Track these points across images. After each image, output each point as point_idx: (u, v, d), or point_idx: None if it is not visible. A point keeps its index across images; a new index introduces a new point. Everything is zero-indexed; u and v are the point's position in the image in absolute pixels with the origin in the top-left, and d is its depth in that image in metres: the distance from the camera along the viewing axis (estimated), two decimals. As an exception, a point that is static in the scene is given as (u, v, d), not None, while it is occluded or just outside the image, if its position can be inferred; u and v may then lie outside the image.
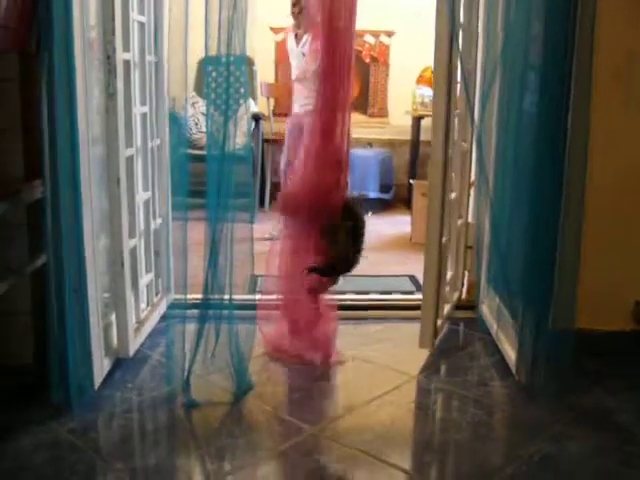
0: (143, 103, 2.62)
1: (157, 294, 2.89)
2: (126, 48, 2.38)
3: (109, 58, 2.25)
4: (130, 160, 2.45)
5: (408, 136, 5.87)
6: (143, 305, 2.73)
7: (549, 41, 2.23)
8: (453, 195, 2.80)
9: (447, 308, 2.83)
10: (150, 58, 2.68)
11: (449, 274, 2.87)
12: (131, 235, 2.50)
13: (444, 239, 2.57)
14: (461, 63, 2.53)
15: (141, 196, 2.63)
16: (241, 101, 2.33)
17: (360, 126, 5.66)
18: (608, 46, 2.42)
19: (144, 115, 2.63)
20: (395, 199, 5.68)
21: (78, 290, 2.11)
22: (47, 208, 2.04)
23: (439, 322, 2.66)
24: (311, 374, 2.49)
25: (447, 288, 2.84)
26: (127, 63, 2.40)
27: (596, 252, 2.50)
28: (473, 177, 2.97)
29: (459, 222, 2.97)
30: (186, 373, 2.25)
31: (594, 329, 2.57)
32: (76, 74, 2.02)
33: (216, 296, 2.28)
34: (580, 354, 2.38)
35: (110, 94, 2.27)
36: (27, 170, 2.16)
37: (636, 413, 2.22)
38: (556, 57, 2.20)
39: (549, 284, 2.30)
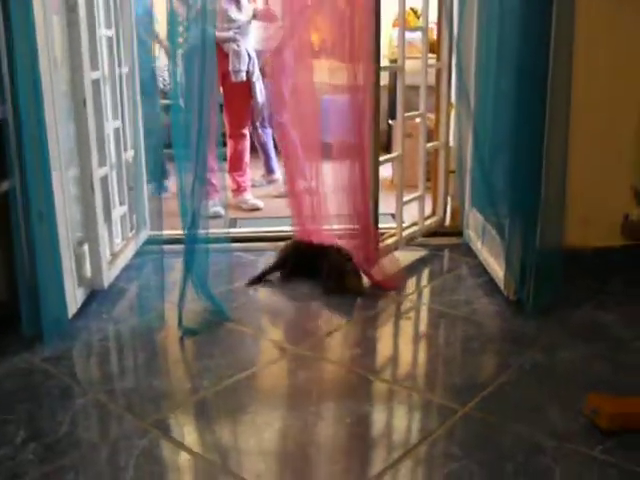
0: (108, 27, 2.50)
1: (132, 229, 2.79)
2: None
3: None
4: (96, 83, 2.34)
5: (386, 81, 5.75)
6: (118, 240, 2.64)
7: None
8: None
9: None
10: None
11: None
12: (101, 163, 2.40)
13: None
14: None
15: (111, 124, 2.52)
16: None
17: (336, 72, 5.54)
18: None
19: (110, 39, 2.51)
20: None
21: (45, 214, 2.01)
22: (8, 130, 1.94)
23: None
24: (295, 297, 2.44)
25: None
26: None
27: (583, 168, 2.43)
28: (453, 98, 2.88)
29: (430, 145, 2.92)
30: (178, 304, 2.17)
31: (584, 246, 2.51)
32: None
33: (196, 230, 2.20)
34: (570, 271, 2.32)
35: (70, 7, 2.15)
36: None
37: (626, 325, 2.16)
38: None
39: (536, 200, 2.22)
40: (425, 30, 2.80)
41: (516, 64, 2.20)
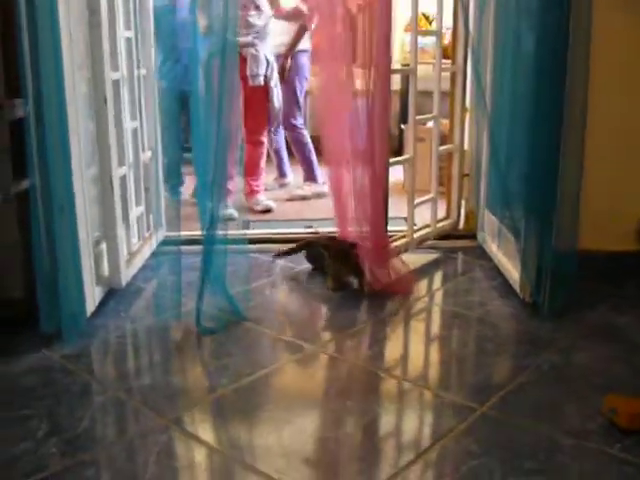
0: (127, 28, 2.52)
1: (148, 229, 2.81)
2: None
3: (90, -29, 2.15)
4: (116, 84, 2.37)
5: (398, 86, 5.77)
6: (135, 240, 2.65)
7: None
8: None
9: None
10: (133, -16, 2.58)
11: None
12: (120, 163, 2.42)
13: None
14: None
15: (129, 124, 2.54)
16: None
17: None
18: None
19: (129, 40, 2.54)
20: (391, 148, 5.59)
21: (66, 208, 2.03)
22: (31, 128, 1.96)
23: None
24: (311, 298, 2.46)
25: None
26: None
27: (598, 172, 2.43)
28: (468, 103, 2.89)
29: (444, 148, 2.94)
30: (196, 303, 2.20)
31: (598, 250, 2.51)
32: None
33: (214, 231, 2.22)
34: (585, 274, 2.33)
35: (93, 10, 2.17)
36: (7, 88, 2.05)
37: (640, 327, 2.17)
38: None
39: (551, 203, 2.22)
40: (439, 34, 2.80)
41: (533, 67, 2.20)
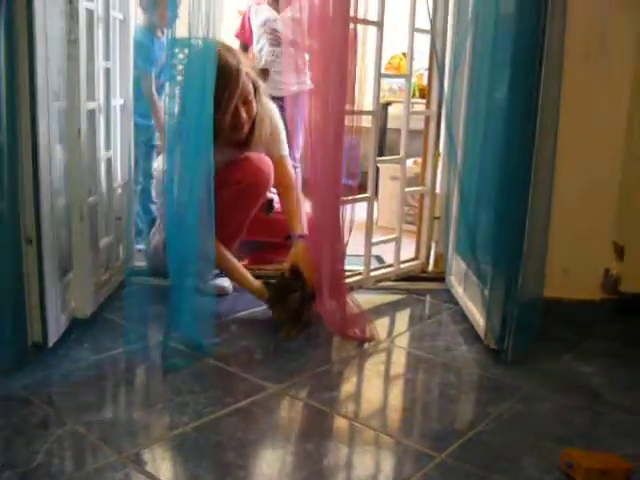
0: (106, 58, 2.54)
1: (117, 259, 2.80)
2: (89, -2, 2.31)
3: (71, 3, 2.16)
4: (92, 114, 2.37)
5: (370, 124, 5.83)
6: (103, 269, 2.64)
7: (521, 11, 2.18)
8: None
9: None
10: (116, 14, 2.59)
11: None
12: (91, 192, 2.41)
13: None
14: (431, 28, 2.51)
15: (103, 154, 2.54)
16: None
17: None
18: (580, 23, 2.40)
19: (107, 70, 2.55)
20: (361, 185, 5.63)
21: (34, 240, 2.03)
22: (3, 155, 1.95)
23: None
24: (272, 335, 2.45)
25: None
26: (90, 12, 2.32)
27: (566, 221, 2.49)
28: (442, 147, 2.93)
29: (414, 189, 3.02)
30: (162, 338, 2.21)
31: (564, 298, 2.55)
32: (36, 19, 1.95)
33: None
34: (550, 323, 2.36)
35: (72, 41, 2.18)
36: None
37: (605, 376, 2.19)
38: (529, 27, 2.15)
39: (519, 252, 2.25)
40: (408, 80, 2.84)
41: (504, 119, 2.24)
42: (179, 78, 2.32)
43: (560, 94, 2.26)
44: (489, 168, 2.40)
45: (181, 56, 2.39)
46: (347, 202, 2.61)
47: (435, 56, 2.77)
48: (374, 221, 3.00)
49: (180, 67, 2.37)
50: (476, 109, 2.58)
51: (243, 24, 4.54)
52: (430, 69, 2.92)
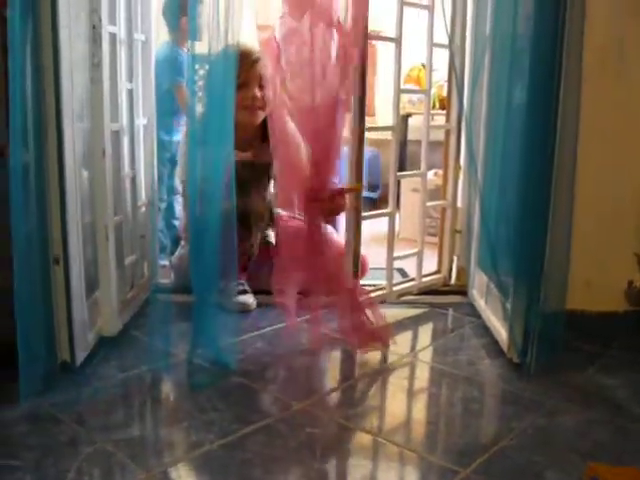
0: (129, 80, 2.58)
1: (142, 277, 2.84)
2: (112, 21, 2.35)
3: (94, 28, 2.21)
4: (116, 134, 2.41)
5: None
6: (128, 287, 2.68)
7: (538, 26, 2.20)
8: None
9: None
10: (138, 36, 2.64)
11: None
12: (117, 212, 2.46)
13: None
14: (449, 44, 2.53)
15: (127, 173, 2.58)
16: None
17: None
18: (597, 35, 2.40)
19: (130, 92, 2.59)
20: (383, 198, 5.66)
21: (61, 261, 2.07)
22: (30, 177, 1.99)
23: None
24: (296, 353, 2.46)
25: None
26: (113, 36, 2.37)
27: (588, 231, 2.49)
28: (462, 160, 2.95)
29: (435, 203, 3.04)
30: (187, 356, 2.26)
31: (586, 310, 2.54)
32: (62, 42, 1.99)
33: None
34: (572, 335, 2.37)
35: (95, 64, 2.22)
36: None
37: (629, 389, 2.19)
38: (546, 42, 2.16)
39: (540, 264, 2.26)
40: (428, 93, 2.86)
41: (523, 133, 2.25)
42: (200, 94, 2.36)
43: (579, 107, 2.27)
44: (509, 182, 2.41)
45: (202, 72, 2.42)
46: (368, 217, 2.63)
47: (454, 72, 2.79)
48: (396, 233, 3.02)
49: (200, 83, 2.41)
50: (496, 124, 2.59)
51: (270, 42, 4.56)
52: (449, 83, 2.94)
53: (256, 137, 2.87)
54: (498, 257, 2.48)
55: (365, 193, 5.47)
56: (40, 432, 1.85)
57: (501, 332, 2.42)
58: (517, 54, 2.35)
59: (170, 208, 3.74)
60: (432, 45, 2.78)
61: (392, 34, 2.68)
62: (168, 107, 3.55)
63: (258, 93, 2.76)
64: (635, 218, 2.58)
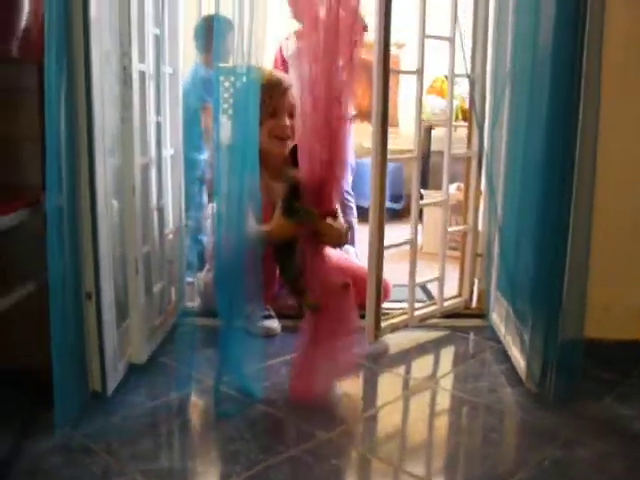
0: (158, 113, 2.66)
1: (170, 302, 2.92)
2: (142, 59, 2.43)
3: (125, 69, 2.29)
4: (144, 169, 2.49)
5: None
6: (156, 313, 2.76)
7: (557, 52, 2.24)
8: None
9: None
10: (165, 69, 2.71)
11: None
12: (145, 241, 2.54)
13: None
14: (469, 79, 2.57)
15: (155, 204, 2.66)
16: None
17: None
18: (615, 61, 2.44)
19: (158, 124, 2.67)
20: (406, 209, 5.70)
21: (93, 296, 2.16)
22: (63, 217, 2.07)
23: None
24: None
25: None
26: (142, 74, 2.44)
27: (605, 262, 2.52)
28: (483, 185, 3.00)
29: (457, 229, 3.12)
30: (214, 385, 2.30)
31: (605, 338, 2.58)
32: (94, 85, 2.08)
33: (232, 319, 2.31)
34: (591, 363, 2.41)
35: (125, 105, 2.31)
36: (44, 179, 2.19)
37: (646, 420, 2.23)
38: (565, 67, 2.21)
39: (559, 293, 2.31)
40: (449, 125, 2.91)
41: (543, 161, 2.30)
42: (225, 106, 2.43)
43: (597, 137, 2.31)
44: (528, 210, 2.45)
45: (227, 84, 2.50)
46: (389, 247, 2.69)
47: (474, 108, 2.85)
48: (419, 247, 3.08)
49: (226, 95, 2.49)
50: (515, 153, 2.64)
51: (276, 59, 4.62)
52: (470, 115, 2.99)
53: (286, 165, 2.93)
54: (517, 285, 2.53)
55: (388, 204, 5.57)
56: (73, 463, 1.93)
57: (520, 360, 2.47)
58: (537, 89, 2.39)
59: (197, 224, 3.81)
60: (453, 77, 2.83)
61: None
62: (196, 126, 3.63)
63: (288, 122, 2.82)
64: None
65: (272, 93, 2.48)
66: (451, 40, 2.76)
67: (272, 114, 2.74)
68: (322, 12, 2.18)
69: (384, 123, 2.55)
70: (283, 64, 4.49)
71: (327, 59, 2.21)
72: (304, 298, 2.41)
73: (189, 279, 3.28)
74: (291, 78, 4.39)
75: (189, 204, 3.32)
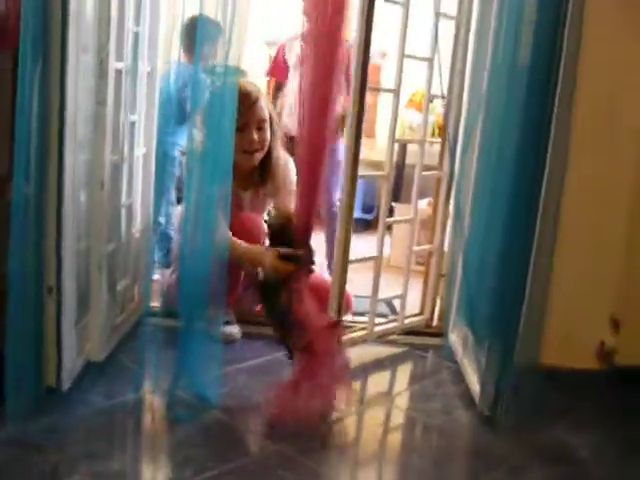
0: (132, 112, 2.65)
1: (132, 300, 2.91)
2: (119, 57, 2.42)
3: (102, 63, 2.28)
4: (115, 166, 2.49)
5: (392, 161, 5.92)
6: (118, 310, 2.74)
7: (533, 79, 2.27)
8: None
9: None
10: (143, 67, 2.71)
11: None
12: (110, 239, 2.52)
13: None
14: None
15: (124, 202, 2.65)
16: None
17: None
18: (590, 89, 2.48)
19: (132, 123, 2.66)
20: (377, 220, 5.71)
21: (55, 290, 2.14)
22: (29, 208, 2.06)
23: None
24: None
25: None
26: (119, 72, 2.44)
27: (565, 291, 2.56)
28: (451, 207, 3.02)
29: (422, 248, 3.16)
30: (169, 388, 2.30)
31: (560, 366, 2.61)
32: (69, 77, 2.07)
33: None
34: (545, 390, 2.44)
35: (100, 101, 2.30)
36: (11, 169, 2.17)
37: (594, 450, 2.26)
38: (539, 96, 2.24)
39: (517, 318, 2.33)
40: (422, 145, 2.98)
41: (509, 189, 2.32)
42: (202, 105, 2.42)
43: (566, 165, 2.35)
44: (493, 234, 2.48)
45: (207, 82, 2.49)
46: (355, 261, 2.71)
47: (447, 130, 2.88)
48: (386, 259, 3.12)
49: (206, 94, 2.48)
50: (485, 178, 2.66)
51: (277, 61, 4.61)
52: (443, 136, 3.03)
53: (253, 177, 2.96)
54: (476, 308, 2.55)
55: (360, 215, 5.59)
56: (23, 459, 1.92)
57: (474, 383, 2.49)
58: (509, 115, 2.42)
59: (168, 220, 3.79)
60: (430, 97, 2.86)
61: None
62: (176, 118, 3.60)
63: (256, 136, 2.83)
64: (616, 277, 2.66)
65: (240, 107, 2.48)
66: (430, 61, 2.78)
67: (241, 128, 2.72)
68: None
69: (357, 139, 2.56)
70: (284, 64, 4.49)
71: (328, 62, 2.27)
72: (289, 337, 2.44)
73: (156, 276, 3.26)
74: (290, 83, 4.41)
75: (160, 200, 3.30)
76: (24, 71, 1.95)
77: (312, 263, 2.54)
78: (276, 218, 2.62)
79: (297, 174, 2.59)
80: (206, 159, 2.26)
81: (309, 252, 2.50)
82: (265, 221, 2.88)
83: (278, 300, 2.46)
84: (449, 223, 3.05)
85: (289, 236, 2.48)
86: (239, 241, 2.74)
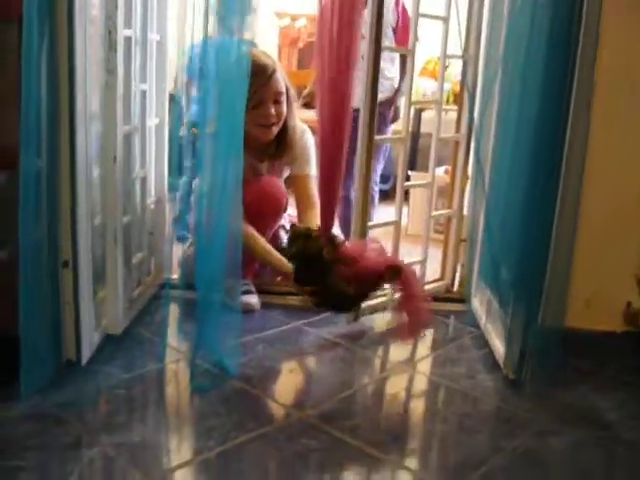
0: (143, 81, 2.61)
1: (149, 274, 2.88)
2: (128, 25, 2.37)
3: (110, 33, 2.24)
4: (127, 137, 2.45)
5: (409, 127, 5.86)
6: (135, 284, 2.72)
7: (552, 38, 2.21)
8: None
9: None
10: (153, 36, 2.66)
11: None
12: (126, 212, 2.50)
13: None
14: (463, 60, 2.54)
15: (137, 174, 2.62)
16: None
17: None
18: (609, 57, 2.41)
19: (143, 93, 2.62)
20: (394, 189, 5.66)
21: (70, 264, 2.12)
22: (41, 182, 2.03)
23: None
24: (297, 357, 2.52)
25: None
26: (128, 40, 2.39)
27: (590, 251, 2.51)
28: (470, 170, 2.97)
29: (441, 212, 3.15)
30: (190, 359, 2.30)
31: (585, 329, 2.58)
32: (77, 47, 2.03)
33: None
34: (570, 353, 2.40)
35: (109, 70, 2.26)
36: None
37: (620, 412, 2.22)
38: (558, 56, 2.18)
39: (541, 280, 2.29)
40: (439, 108, 2.91)
41: (532, 146, 2.27)
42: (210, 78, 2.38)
43: (589, 124, 2.29)
44: (515, 196, 2.43)
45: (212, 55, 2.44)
46: (373, 227, 2.68)
47: (466, 88, 2.82)
48: (404, 229, 3.08)
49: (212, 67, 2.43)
50: (504, 138, 2.61)
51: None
52: (460, 97, 2.96)
53: (269, 149, 2.92)
54: (500, 270, 2.51)
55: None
56: (44, 432, 1.90)
57: (498, 346, 2.46)
58: (529, 73, 2.36)
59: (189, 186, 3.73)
60: (445, 57, 2.80)
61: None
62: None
63: (273, 110, 2.78)
64: (638, 239, 2.61)
65: (256, 80, 2.42)
66: (445, 20, 2.72)
67: (257, 103, 2.69)
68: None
69: (372, 103, 2.51)
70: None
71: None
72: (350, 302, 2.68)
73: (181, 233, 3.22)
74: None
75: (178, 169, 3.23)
76: (30, 36, 1.90)
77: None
78: (296, 241, 2.68)
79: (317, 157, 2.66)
80: (219, 132, 2.21)
81: (332, 239, 2.62)
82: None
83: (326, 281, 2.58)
84: (467, 188, 3.00)
85: (313, 256, 2.59)
86: (262, 240, 2.82)
